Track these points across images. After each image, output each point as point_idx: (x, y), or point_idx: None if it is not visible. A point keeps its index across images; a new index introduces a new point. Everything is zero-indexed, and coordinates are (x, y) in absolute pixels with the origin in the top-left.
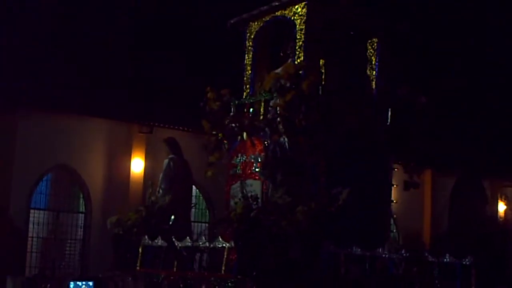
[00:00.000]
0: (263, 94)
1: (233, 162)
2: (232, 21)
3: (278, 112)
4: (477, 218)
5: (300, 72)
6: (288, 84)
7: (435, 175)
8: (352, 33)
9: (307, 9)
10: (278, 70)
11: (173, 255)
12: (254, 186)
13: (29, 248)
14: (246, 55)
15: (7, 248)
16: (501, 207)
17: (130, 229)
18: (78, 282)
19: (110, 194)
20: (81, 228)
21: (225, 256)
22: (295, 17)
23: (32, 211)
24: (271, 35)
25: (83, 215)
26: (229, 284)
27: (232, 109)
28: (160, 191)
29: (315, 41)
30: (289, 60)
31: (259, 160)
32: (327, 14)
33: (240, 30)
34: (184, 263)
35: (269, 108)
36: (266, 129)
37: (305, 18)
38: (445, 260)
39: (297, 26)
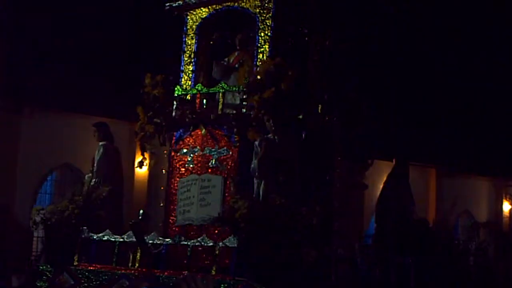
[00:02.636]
0: (224, 86)
1: (180, 154)
2: (174, 5)
3: (258, 108)
4: (403, 220)
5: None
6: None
7: (439, 174)
8: (306, 31)
9: (274, 3)
10: (224, 62)
11: (129, 251)
12: (213, 181)
13: (34, 247)
14: (187, 41)
15: (13, 247)
16: (506, 206)
17: (67, 219)
18: None
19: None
20: None
21: (217, 256)
22: (258, 10)
23: None
24: (218, 24)
25: None
26: (225, 285)
27: (177, 98)
28: (96, 180)
29: (281, 35)
30: (236, 52)
31: (222, 154)
32: (293, 9)
33: (175, 15)
34: (150, 260)
35: (242, 104)
36: (234, 123)
37: (271, 12)
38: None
39: (261, 19)
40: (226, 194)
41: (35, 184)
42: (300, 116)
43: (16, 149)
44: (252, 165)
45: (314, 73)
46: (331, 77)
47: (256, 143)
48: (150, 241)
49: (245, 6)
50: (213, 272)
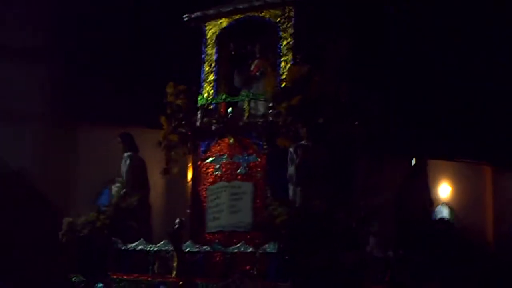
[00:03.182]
0: (250, 94)
1: (207, 162)
2: (192, 16)
3: (286, 115)
4: (421, 222)
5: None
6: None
7: (495, 171)
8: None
9: (295, 12)
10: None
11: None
12: (243, 188)
13: None
14: (207, 51)
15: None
16: None
17: (99, 230)
18: None
19: (169, 203)
20: None
21: (258, 263)
22: (279, 19)
23: None
24: (234, 33)
25: None
26: None
27: (201, 107)
28: (124, 190)
29: (302, 43)
30: (256, 61)
31: (251, 161)
32: (312, 17)
33: (193, 25)
34: (187, 269)
35: (268, 111)
36: (262, 130)
37: (292, 20)
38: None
39: (282, 28)
40: (257, 201)
41: (94, 197)
42: (321, 121)
43: (75, 164)
44: (289, 172)
45: (332, 79)
46: (348, 82)
47: (291, 150)
48: (187, 249)
49: (265, 16)
50: None
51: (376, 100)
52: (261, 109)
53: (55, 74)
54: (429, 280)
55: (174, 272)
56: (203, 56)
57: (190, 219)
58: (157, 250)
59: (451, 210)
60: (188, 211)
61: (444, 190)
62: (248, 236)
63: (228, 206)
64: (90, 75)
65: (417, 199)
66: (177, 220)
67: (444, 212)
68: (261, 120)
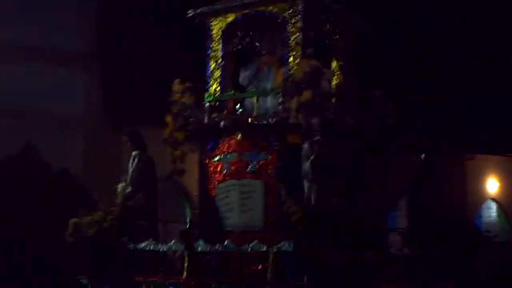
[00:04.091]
0: (259, 90)
1: (215, 160)
2: (197, 11)
3: (297, 111)
4: (435, 215)
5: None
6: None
7: None
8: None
9: (304, 6)
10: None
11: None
12: (254, 186)
13: None
14: (212, 47)
15: None
16: None
17: (107, 230)
18: None
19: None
20: None
21: (273, 261)
22: (287, 14)
23: None
24: (239, 29)
25: None
26: None
27: (208, 104)
28: (131, 189)
29: (311, 38)
30: (262, 57)
31: (261, 158)
32: (321, 11)
33: (198, 21)
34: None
35: (277, 107)
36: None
37: (300, 14)
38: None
39: (291, 22)
40: (269, 199)
41: None
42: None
43: (118, 166)
44: (304, 168)
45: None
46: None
47: (306, 146)
48: (200, 249)
49: (273, 10)
50: (269, 277)
51: (385, 94)
52: (269, 105)
53: (100, 77)
54: (446, 277)
55: (185, 273)
56: (208, 52)
57: (198, 219)
58: (167, 250)
59: (499, 205)
60: (195, 211)
61: (492, 185)
62: (260, 235)
63: (238, 205)
64: (132, 77)
65: (429, 197)
66: (188, 220)
67: (492, 208)
68: (271, 116)
